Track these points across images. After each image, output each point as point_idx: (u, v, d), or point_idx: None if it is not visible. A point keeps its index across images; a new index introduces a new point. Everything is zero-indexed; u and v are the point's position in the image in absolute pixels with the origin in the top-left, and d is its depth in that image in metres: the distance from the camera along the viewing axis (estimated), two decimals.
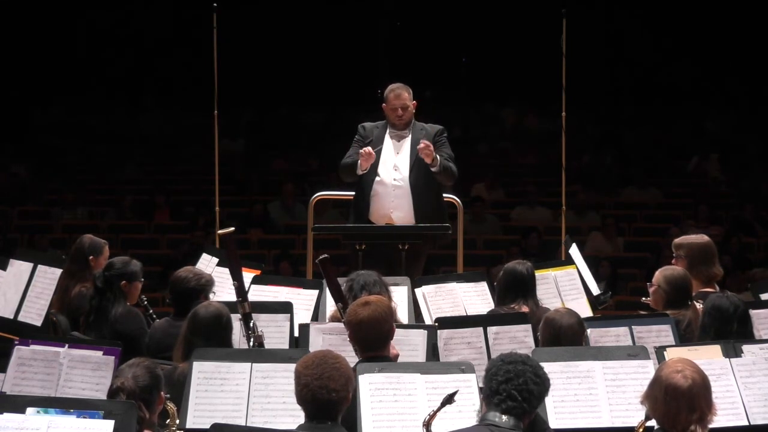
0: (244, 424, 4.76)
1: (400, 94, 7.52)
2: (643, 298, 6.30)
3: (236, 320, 5.57)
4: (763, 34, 15.68)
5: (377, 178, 7.52)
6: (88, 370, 5.21)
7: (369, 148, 7.40)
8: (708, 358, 4.99)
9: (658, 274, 6.14)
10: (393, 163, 7.53)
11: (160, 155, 15.45)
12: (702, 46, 16.39)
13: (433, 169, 7.41)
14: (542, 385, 4.28)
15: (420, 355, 5.54)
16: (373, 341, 4.99)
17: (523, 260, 6.51)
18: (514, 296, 6.19)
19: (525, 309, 6.06)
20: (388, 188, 7.51)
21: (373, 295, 5.40)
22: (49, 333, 6.44)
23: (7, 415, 4.06)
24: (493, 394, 4.22)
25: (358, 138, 7.63)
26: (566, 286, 6.95)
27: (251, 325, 5.62)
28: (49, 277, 6.73)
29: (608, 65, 16.61)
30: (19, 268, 6.83)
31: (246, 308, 5.68)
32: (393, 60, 16.17)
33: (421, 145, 7.33)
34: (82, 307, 6.42)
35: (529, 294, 6.22)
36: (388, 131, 7.59)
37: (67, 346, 5.32)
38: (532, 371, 4.26)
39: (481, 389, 4.39)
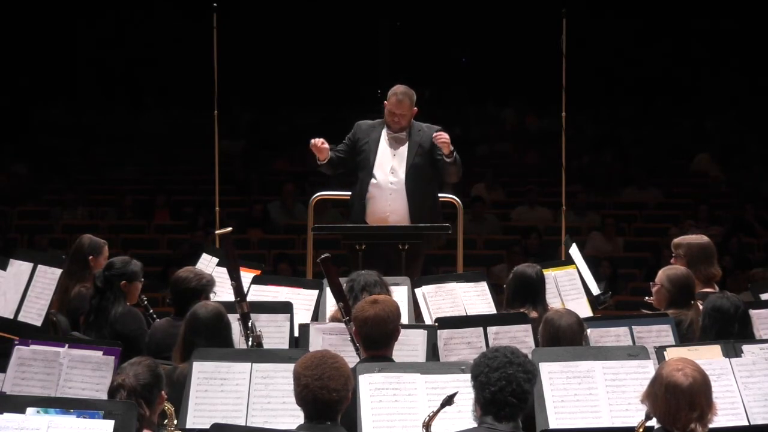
0: (244, 424, 4.76)
1: (402, 102, 7.48)
2: (646, 298, 6.30)
3: (235, 320, 5.57)
4: (764, 33, 15.69)
5: (373, 181, 7.53)
6: (88, 370, 5.21)
7: (315, 141, 7.46)
8: (708, 358, 4.99)
9: (661, 274, 6.13)
10: (390, 166, 7.53)
11: (160, 155, 15.44)
12: (702, 46, 16.40)
13: (447, 160, 7.40)
14: (533, 377, 4.30)
15: (420, 355, 5.54)
16: (377, 339, 5.01)
17: (532, 263, 6.48)
18: (523, 300, 6.15)
19: (534, 314, 5.99)
20: (385, 191, 7.51)
21: (383, 295, 5.43)
22: (49, 333, 6.44)
23: (7, 415, 4.06)
24: (488, 403, 4.22)
25: (349, 137, 7.65)
26: (566, 286, 6.95)
27: (250, 325, 5.62)
28: (49, 277, 6.73)
29: (608, 65, 16.61)
30: (19, 268, 6.83)
31: (244, 308, 5.67)
32: (393, 60, 16.18)
33: (443, 136, 7.33)
34: (82, 307, 6.42)
35: (538, 298, 6.18)
36: (384, 132, 7.57)
37: (67, 346, 5.31)
38: (521, 370, 4.26)
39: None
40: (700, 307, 5.87)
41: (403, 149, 7.53)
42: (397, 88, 7.55)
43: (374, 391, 4.71)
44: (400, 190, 7.50)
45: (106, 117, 16.21)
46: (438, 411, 4.39)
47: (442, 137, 7.36)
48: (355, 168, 7.62)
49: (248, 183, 14.27)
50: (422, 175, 7.50)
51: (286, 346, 5.88)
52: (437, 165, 7.53)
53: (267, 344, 5.68)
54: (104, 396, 4.69)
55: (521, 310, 6.05)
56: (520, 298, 6.17)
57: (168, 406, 4.50)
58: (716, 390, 4.42)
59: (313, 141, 7.50)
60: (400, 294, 6.31)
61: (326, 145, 7.52)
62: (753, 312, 5.90)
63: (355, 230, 7.47)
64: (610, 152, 15.38)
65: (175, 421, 4.56)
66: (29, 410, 4.10)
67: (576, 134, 13.42)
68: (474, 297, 6.71)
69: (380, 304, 5.07)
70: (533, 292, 6.19)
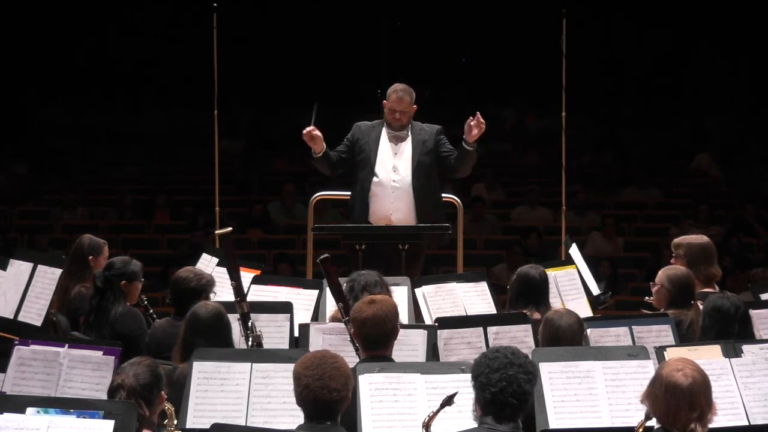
0: (244, 424, 4.76)
1: (402, 99, 7.50)
2: (646, 298, 6.30)
3: (235, 320, 5.57)
4: (764, 34, 15.68)
5: (375, 179, 7.52)
6: (88, 370, 5.21)
7: (308, 129, 7.40)
8: (708, 358, 4.99)
9: (661, 274, 6.13)
10: (392, 165, 7.53)
11: (160, 155, 15.44)
12: (702, 46, 16.39)
13: (470, 148, 7.46)
14: (534, 378, 4.30)
15: (420, 355, 5.54)
16: (376, 340, 5.01)
17: (536, 265, 6.48)
18: (526, 302, 6.14)
19: (537, 315, 5.98)
20: (387, 190, 7.51)
21: (380, 295, 5.42)
22: (49, 333, 6.44)
23: (7, 415, 4.06)
24: (488, 404, 4.22)
25: (348, 137, 7.64)
26: (566, 286, 6.95)
27: (250, 325, 5.62)
28: (49, 277, 6.73)
29: (608, 65, 16.60)
30: (19, 268, 6.83)
31: (244, 308, 5.68)
32: (393, 60, 16.18)
33: (480, 118, 7.38)
34: (82, 307, 6.42)
35: (542, 300, 6.18)
36: (385, 131, 7.57)
37: (67, 346, 5.32)
38: (522, 371, 4.25)
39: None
40: (700, 307, 5.87)
41: (405, 147, 7.54)
42: (396, 86, 7.56)
43: (374, 391, 4.71)
44: (403, 188, 7.50)
45: (106, 117, 16.21)
46: (438, 411, 4.39)
47: (480, 119, 7.40)
48: (355, 168, 7.62)
49: (248, 183, 14.27)
50: (427, 174, 7.51)
51: (286, 346, 5.88)
52: (445, 162, 7.54)
53: (267, 344, 5.68)
54: (104, 396, 4.69)
55: (524, 312, 6.05)
56: (523, 300, 6.17)
57: (168, 406, 4.50)
58: (716, 390, 4.43)
59: (305, 130, 7.42)
60: (400, 294, 6.31)
61: (318, 133, 7.46)
62: (753, 312, 5.90)
63: (355, 230, 7.46)
64: (610, 152, 15.37)
65: (175, 421, 4.56)
66: (29, 410, 4.10)
67: (576, 134, 13.41)
68: (474, 297, 6.72)
69: (378, 303, 5.06)
70: (536, 293, 6.19)
